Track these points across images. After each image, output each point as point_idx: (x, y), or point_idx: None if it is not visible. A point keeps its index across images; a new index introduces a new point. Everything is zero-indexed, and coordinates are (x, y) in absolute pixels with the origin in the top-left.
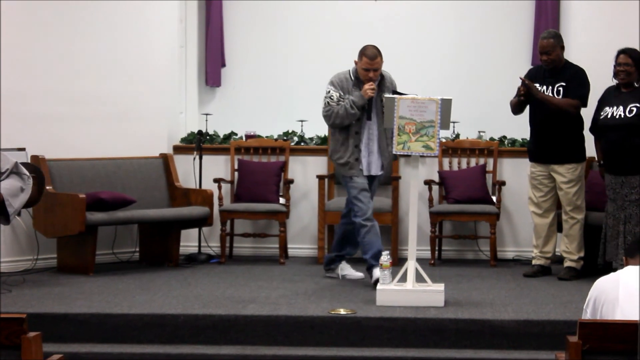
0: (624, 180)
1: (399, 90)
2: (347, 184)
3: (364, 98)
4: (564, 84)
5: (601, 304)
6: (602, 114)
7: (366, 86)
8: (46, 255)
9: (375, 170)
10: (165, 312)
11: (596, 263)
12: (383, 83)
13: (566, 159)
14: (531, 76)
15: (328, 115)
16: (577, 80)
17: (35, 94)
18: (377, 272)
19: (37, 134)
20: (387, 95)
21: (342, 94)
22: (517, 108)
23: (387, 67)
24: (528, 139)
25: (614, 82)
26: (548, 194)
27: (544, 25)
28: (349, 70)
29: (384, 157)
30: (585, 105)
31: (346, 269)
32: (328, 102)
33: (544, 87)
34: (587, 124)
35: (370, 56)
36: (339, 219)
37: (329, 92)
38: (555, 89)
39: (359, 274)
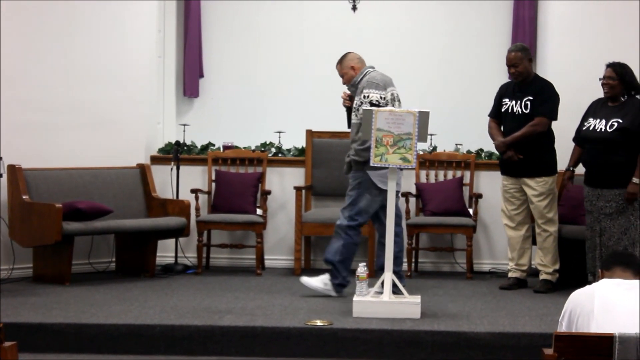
0: (600, 193)
1: (365, 92)
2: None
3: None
4: (531, 97)
5: (577, 316)
6: (585, 124)
7: (342, 96)
8: (22, 265)
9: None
10: (141, 322)
11: (571, 276)
12: (355, 88)
13: (537, 172)
14: (502, 92)
15: None
16: (543, 94)
17: (11, 103)
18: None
19: (14, 143)
20: (364, 107)
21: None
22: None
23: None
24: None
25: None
26: (520, 207)
27: (522, 37)
28: None
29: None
30: (554, 119)
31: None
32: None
33: (513, 102)
34: (565, 135)
35: (337, 64)
36: (316, 230)
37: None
38: (522, 103)
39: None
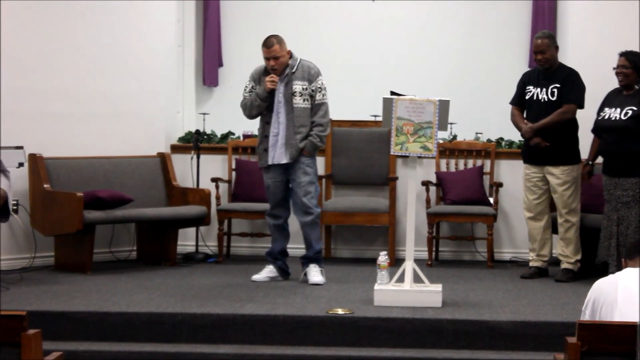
0: (617, 182)
1: (320, 79)
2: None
3: (265, 90)
4: (558, 85)
5: (600, 305)
6: (601, 114)
7: (266, 79)
8: (44, 254)
9: (279, 159)
10: (163, 310)
11: (593, 265)
12: (296, 73)
13: (561, 160)
14: (526, 79)
15: (241, 107)
16: (570, 83)
17: (33, 92)
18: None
19: (35, 132)
20: (384, 95)
21: (253, 85)
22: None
23: (388, 68)
24: (523, 141)
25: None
26: (542, 196)
27: (541, 27)
28: None
29: (289, 146)
30: (582, 107)
31: (309, 272)
32: (243, 93)
33: (538, 89)
34: (587, 125)
35: (267, 45)
36: (336, 219)
37: (245, 83)
38: (549, 91)
39: (318, 279)
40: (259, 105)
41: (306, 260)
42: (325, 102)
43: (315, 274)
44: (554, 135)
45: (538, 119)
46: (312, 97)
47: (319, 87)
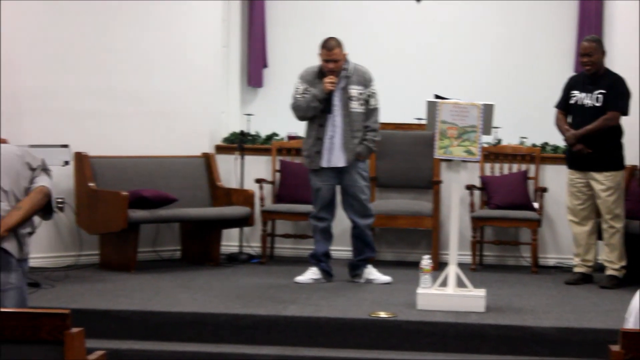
0: None
1: (373, 84)
2: (310, 178)
3: (324, 91)
4: (603, 91)
5: None
6: None
7: (325, 79)
8: (89, 252)
9: (338, 163)
10: (206, 310)
11: (638, 271)
12: (348, 75)
13: (605, 166)
14: (571, 84)
15: (294, 108)
16: (616, 89)
17: (79, 91)
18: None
19: (81, 131)
20: (429, 99)
21: (307, 87)
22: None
23: (432, 71)
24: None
25: None
26: (586, 202)
27: (587, 30)
28: (319, 64)
29: (347, 150)
30: (626, 114)
31: (372, 273)
32: (294, 95)
33: (583, 95)
34: (632, 131)
35: (328, 47)
36: (380, 221)
37: (296, 85)
38: (594, 96)
39: (386, 278)
40: (316, 107)
41: (364, 262)
42: (378, 107)
43: (379, 274)
44: (597, 141)
45: (582, 125)
46: (367, 102)
47: (373, 92)
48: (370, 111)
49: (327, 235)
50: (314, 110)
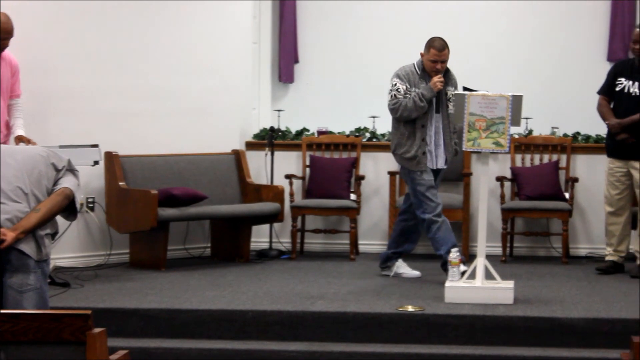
0: None
1: (459, 85)
2: (414, 179)
3: (433, 91)
4: None
5: None
6: None
7: (435, 78)
8: (119, 251)
9: (441, 164)
10: (234, 308)
11: None
12: (448, 76)
13: None
14: (618, 70)
15: (395, 109)
16: None
17: (108, 91)
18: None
19: (110, 130)
20: (456, 91)
21: (408, 86)
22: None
23: (459, 63)
24: (602, 135)
25: None
26: (624, 191)
27: (620, 21)
28: (414, 64)
29: (447, 150)
30: None
31: (402, 267)
32: (395, 95)
33: (630, 82)
34: None
35: (439, 47)
36: None
37: (395, 84)
38: None
39: (416, 273)
40: (424, 107)
41: (398, 255)
42: None
43: (408, 268)
44: (638, 130)
45: (627, 113)
46: None
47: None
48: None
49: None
50: (422, 110)
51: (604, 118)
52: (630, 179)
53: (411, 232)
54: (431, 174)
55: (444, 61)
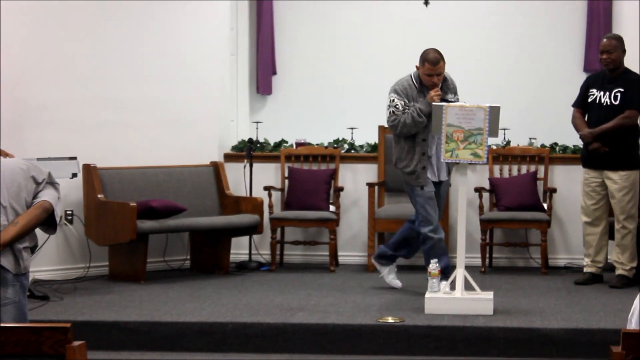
0: None
1: (457, 95)
2: (413, 192)
3: (430, 105)
4: (622, 89)
5: None
6: None
7: (432, 92)
8: (98, 263)
9: (444, 176)
10: (214, 320)
11: None
12: (446, 85)
13: (620, 165)
14: (590, 82)
15: (394, 125)
16: (635, 88)
17: (85, 103)
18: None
19: (89, 142)
20: (435, 103)
21: (407, 102)
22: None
23: None
24: (579, 145)
25: None
26: (600, 201)
27: (597, 30)
28: (410, 76)
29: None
30: None
31: (390, 274)
32: (393, 112)
33: (602, 93)
34: None
35: (433, 61)
36: (389, 226)
37: (393, 100)
38: (612, 95)
39: (397, 283)
40: (423, 121)
41: (392, 258)
42: None
43: (394, 277)
44: (613, 140)
45: (599, 123)
46: None
47: (458, 100)
48: None
49: (445, 247)
50: (421, 125)
51: (577, 129)
52: (606, 189)
53: (413, 240)
54: (432, 187)
55: (440, 74)
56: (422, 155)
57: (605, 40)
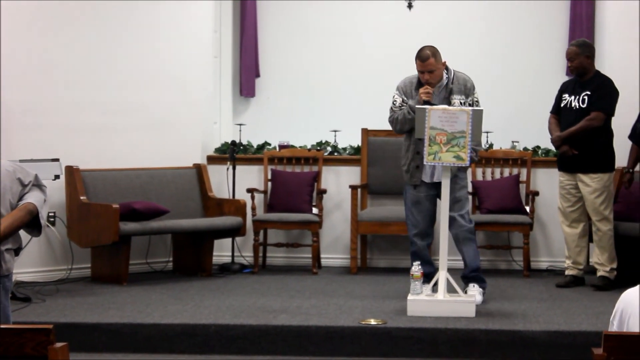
0: None
1: (476, 92)
2: (405, 191)
3: (419, 102)
4: (589, 92)
5: (628, 316)
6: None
7: (420, 90)
8: (80, 265)
9: (438, 177)
10: (196, 322)
11: (630, 274)
12: (454, 85)
13: (592, 168)
14: (563, 88)
15: (391, 121)
16: (601, 90)
17: (68, 104)
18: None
19: (71, 144)
20: (418, 106)
21: (405, 98)
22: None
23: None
24: None
25: None
26: (576, 204)
27: (579, 33)
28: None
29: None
30: (611, 114)
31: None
32: (391, 108)
33: (572, 97)
34: (623, 132)
35: (422, 57)
36: (372, 228)
37: (394, 97)
38: (581, 98)
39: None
40: (412, 119)
41: (466, 280)
42: None
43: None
44: (584, 143)
45: (570, 126)
46: None
47: (476, 101)
48: None
49: (428, 255)
50: (411, 123)
51: (550, 134)
52: (580, 192)
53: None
54: (424, 189)
55: (431, 71)
56: (416, 154)
57: (568, 48)
